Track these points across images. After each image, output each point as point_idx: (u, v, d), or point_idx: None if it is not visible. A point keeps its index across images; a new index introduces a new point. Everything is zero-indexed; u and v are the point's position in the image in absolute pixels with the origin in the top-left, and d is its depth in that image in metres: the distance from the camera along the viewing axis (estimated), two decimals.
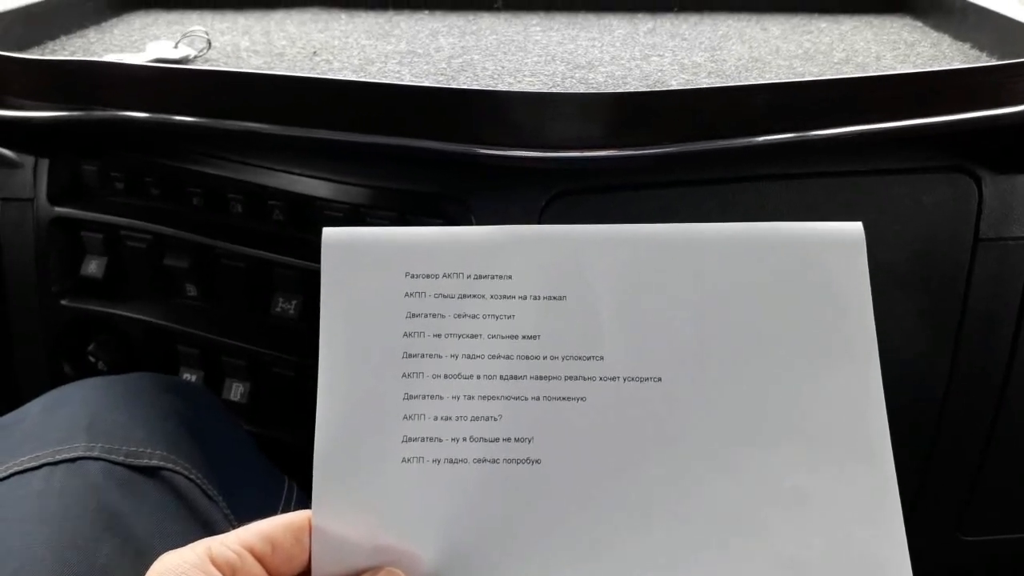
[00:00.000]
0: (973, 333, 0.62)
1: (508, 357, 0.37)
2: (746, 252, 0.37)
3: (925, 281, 0.61)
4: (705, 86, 0.58)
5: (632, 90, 0.57)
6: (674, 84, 0.59)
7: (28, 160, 0.70)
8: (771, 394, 0.36)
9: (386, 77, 0.61)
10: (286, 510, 0.45)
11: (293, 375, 0.65)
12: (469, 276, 0.37)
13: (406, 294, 0.37)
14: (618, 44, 0.71)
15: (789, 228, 0.37)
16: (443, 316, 0.37)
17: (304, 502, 0.37)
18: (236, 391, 0.67)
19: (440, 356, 0.37)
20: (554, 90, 0.57)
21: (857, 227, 0.37)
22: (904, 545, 0.35)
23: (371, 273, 0.37)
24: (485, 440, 0.36)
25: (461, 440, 0.36)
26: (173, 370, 0.69)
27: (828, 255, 0.37)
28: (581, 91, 0.56)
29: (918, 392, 0.63)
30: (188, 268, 0.66)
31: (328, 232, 0.38)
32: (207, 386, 0.68)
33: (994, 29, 0.69)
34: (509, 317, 0.37)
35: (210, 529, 0.46)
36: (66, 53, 0.69)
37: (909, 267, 0.60)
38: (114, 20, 0.81)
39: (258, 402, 0.67)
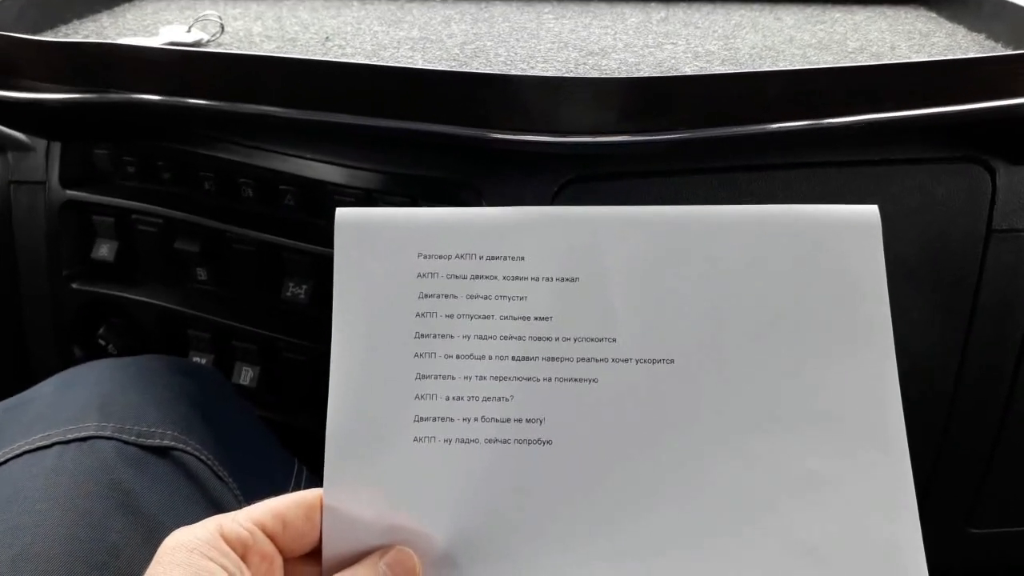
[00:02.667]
0: (985, 325, 0.62)
1: (520, 338, 0.37)
2: (761, 234, 0.37)
3: (937, 272, 0.60)
4: (719, 72, 0.58)
5: (645, 75, 0.57)
6: (687, 71, 0.59)
7: (40, 143, 0.70)
8: (785, 377, 0.36)
9: (399, 62, 0.61)
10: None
11: (303, 359, 0.65)
12: (482, 257, 0.37)
13: (419, 274, 0.37)
14: (631, 32, 0.71)
15: (804, 211, 0.37)
16: (455, 297, 0.37)
17: (313, 485, 0.37)
18: (246, 375, 0.67)
19: (452, 336, 0.37)
20: (567, 75, 0.57)
21: (872, 210, 0.37)
22: (918, 531, 0.35)
23: (384, 253, 0.37)
24: (497, 420, 0.36)
25: (473, 420, 0.36)
26: (183, 354, 0.70)
27: (843, 238, 0.36)
28: (594, 76, 0.56)
29: (928, 384, 0.63)
30: (199, 252, 0.67)
31: (341, 212, 0.38)
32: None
33: (1009, 19, 0.69)
34: (522, 298, 0.37)
35: (220, 509, 0.46)
36: (79, 37, 0.69)
37: (921, 258, 0.60)
38: (126, 5, 0.81)
39: (267, 386, 0.68)
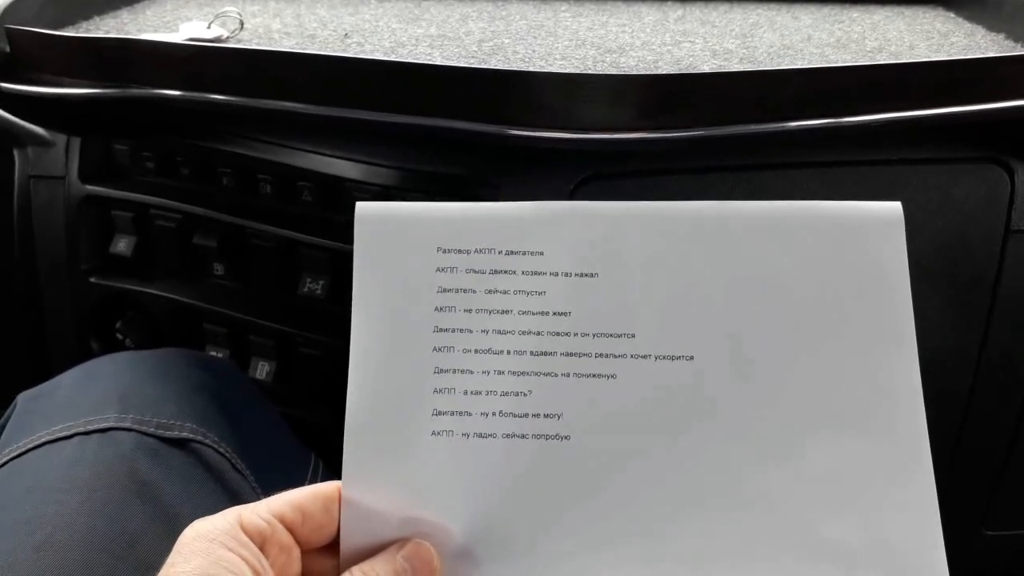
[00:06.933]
0: (1002, 326, 0.61)
1: (539, 333, 0.37)
2: (782, 230, 0.36)
3: (954, 273, 0.60)
4: (738, 70, 0.58)
5: (664, 72, 0.57)
6: (706, 69, 0.59)
7: (60, 138, 0.71)
8: (806, 375, 0.36)
9: (418, 59, 0.61)
10: None
11: (319, 354, 0.65)
12: (501, 252, 0.37)
13: (438, 269, 0.37)
14: (648, 30, 0.71)
15: (826, 207, 0.37)
16: (474, 291, 0.37)
17: (330, 479, 0.37)
18: (262, 370, 0.68)
19: (471, 331, 0.37)
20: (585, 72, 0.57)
21: (896, 207, 0.36)
22: (939, 531, 0.35)
23: (403, 247, 0.37)
24: (514, 415, 0.36)
25: (490, 415, 0.36)
26: (200, 348, 0.70)
27: (866, 234, 0.36)
28: (612, 73, 0.56)
29: (945, 385, 0.63)
30: (216, 247, 0.67)
31: (361, 206, 0.38)
32: None
33: None
34: (540, 293, 0.37)
35: (238, 500, 0.47)
36: (100, 33, 0.70)
37: (938, 259, 0.59)
38: (146, 2, 0.81)
39: (284, 381, 0.68)
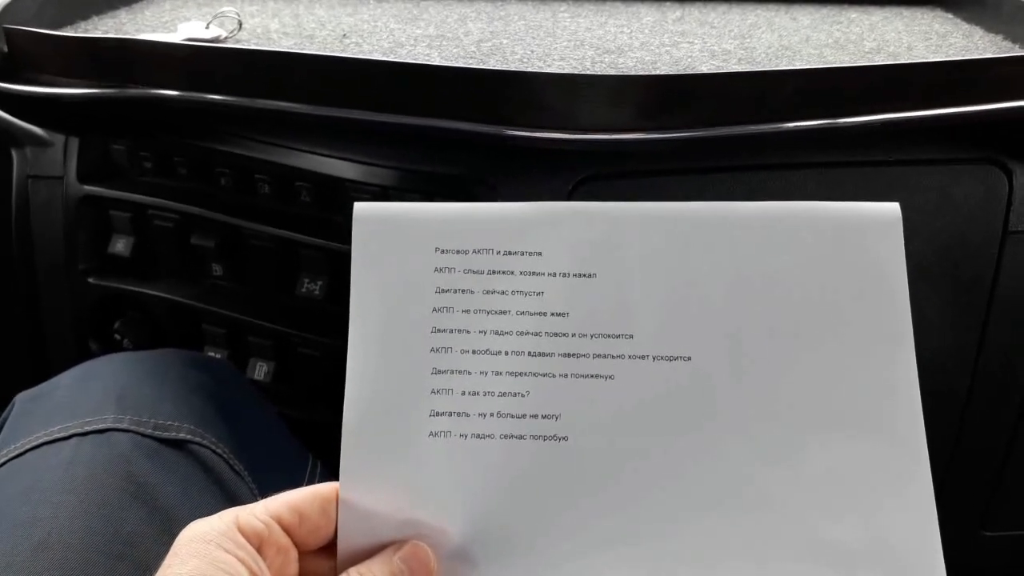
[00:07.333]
0: (1000, 327, 0.61)
1: (536, 334, 0.37)
2: (781, 231, 0.36)
3: (953, 274, 0.60)
4: (736, 70, 0.58)
5: (662, 73, 0.57)
6: (704, 70, 0.59)
7: (58, 138, 0.71)
8: (804, 375, 0.36)
9: (416, 60, 0.61)
10: None
11: (317, 355, 0.65)
12: (499, 252, 0.37)
13: (436, 269, 0.37)
14: (647, 31, 0.71)
15: (825, 208, 0.37)
16: (472, 292, 0.37)
17: (327, 480, 0.37)
18: (260, 370, 0.68)
19: (469, 332, 0.37)
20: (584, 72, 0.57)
21: (894, 207, 0.36)
22: (937, 532, 0.35)
23: (401, 248, 0.37)
24: (512, 416, 0.36)
25: (488, 416, 0.36)
26: (198, 348, 0.70)
27: (865, 235, 0.36)
28: (611, 74, 0.56)
29: (943, 386, 0.63)
30: (215, 248, 0.67)
31: (359, 207, 0.38)
32: None
33: None
34: (538, 294, 0.37)
35: (235, 501, 0.46)
36: (98, 33, 0.70)
37: (936, 260, 0.59)
38: (145, 2, 0.81)
39: (282, 381, 0.68)
